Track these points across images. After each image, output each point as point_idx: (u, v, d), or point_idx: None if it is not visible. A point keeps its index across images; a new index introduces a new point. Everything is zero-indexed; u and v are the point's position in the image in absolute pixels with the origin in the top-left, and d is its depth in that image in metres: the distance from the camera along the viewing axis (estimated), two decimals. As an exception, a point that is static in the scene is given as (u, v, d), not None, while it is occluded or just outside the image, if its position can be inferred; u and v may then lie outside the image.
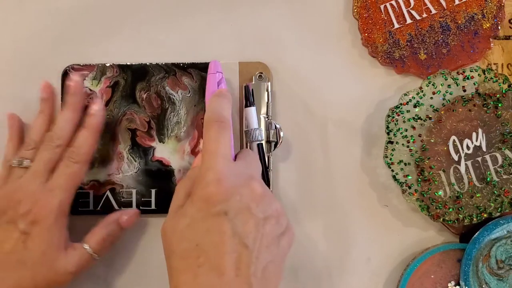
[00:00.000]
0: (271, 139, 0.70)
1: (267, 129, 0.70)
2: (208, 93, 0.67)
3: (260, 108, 0.70)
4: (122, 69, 0.72)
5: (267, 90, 0.71)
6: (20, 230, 0.64)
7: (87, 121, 0.69)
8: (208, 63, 0.71)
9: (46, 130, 0.69)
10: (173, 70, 0.72)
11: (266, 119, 0.70)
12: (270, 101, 0.71)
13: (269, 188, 0.69)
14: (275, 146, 0.70)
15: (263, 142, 0.69)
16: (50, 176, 0.66)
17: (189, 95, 0.72)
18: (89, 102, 0.70)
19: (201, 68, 0.72)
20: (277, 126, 0.70)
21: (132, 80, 0.72)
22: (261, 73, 0.71)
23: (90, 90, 0.72)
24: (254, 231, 0.57)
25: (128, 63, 0.72)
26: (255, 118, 0.69)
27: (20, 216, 0.64)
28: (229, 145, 0.62)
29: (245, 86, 0.70)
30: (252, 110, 0.69)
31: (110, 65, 0.72)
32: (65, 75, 0.72)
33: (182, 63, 0.72)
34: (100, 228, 0.68)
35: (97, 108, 0.69)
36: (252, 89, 0.70)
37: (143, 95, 0.72)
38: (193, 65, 0.72)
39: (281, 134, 0.70)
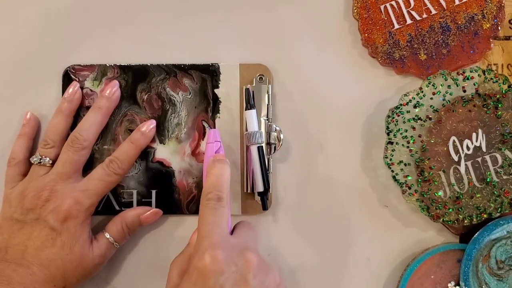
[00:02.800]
0: (271, 141, 0.70)
1: (267, 131, 0.70)
2: (206, 162, 0.67)
3: (261, 110, 0.70)
4: (123, 70, 0.72)
5: (267, 93, 0.71)
6: (50, 227, 0.65)
7: (135, 137, 0.70)
8: (209, 64, 0.72)
9: (64, 130, 0.70)
10: (173, 71, 0.72)
11: (267, 121, 0.70)
12: (270, 103, 0.71)
13: (269, 190, 0.70)
14: (275, 148, 0.70)
15: (263, 144, 0.69)
16: (77, 176, 0.69)
17: (189, 96, 0.72)
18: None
19: (202, 70, 0.72)
20: (277, 128, 0.70)
21: (133, 81, 0.72)
22: (262, 75, 0.71)
23: (91, 90, 0.72)
24: None
25: (129, 64, 0.72)
26: (255, 121, 0.69)
27: (49, 213, 0.65)
28: (226, 221, 0.62)
29: (246, 89, 0.70)
30: (252, 113, 0.69)
31: (111, 65, 0.72)
32: (65, 75, 0.72)
33: (183, 64, 0.72)
34: (122, 218, 0.70)
35: (148, 127, 0.71)
36: (253, 91, 0.70)
37: (144, 96, 0.72)
38: (194, 67, 0.72)
39: (281, 136, 0.70)
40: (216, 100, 0.72)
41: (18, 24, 0.74)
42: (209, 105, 0.72)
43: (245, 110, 0.69)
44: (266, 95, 0.71)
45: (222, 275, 0.56)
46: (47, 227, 0.65)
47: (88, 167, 0.70)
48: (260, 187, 0.68)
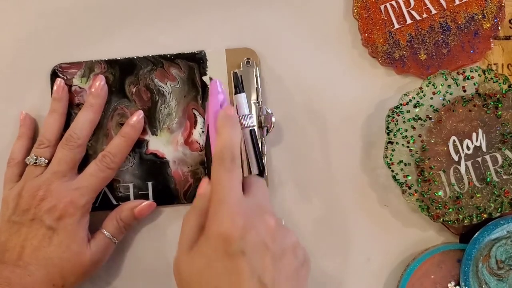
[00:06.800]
0: (263, 124, 0.69)
1: (259, 114, 0.69)
2: (211, 114, 0.65)
3: (250, 94, 0.70)
4: (109, 65, 0.72)
5: (255, 76, 0.70)
6: (46, 226, 0.65)
7: (125, 130, 0.70)
8: (195, 52, 0.72)
9: (59, 129, 0.70)
10: (160, 62, 0.72)
11: (257, 104, 0.70)
12: (259, 86, 0.70)
13: (265, 173, 0.69)
14: (268, 131, 0.70)
15: (255, 127, 0.68)
16: (72, 174, 0.68)
17: (178, 86, 0.72)
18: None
19: (188, 58, 0.72)
20: (269, 110, 0.69)
21: (120, 75, 0.72)
22: (249, 59, 0.71)
23: (80, 88, 0.71)
24: (271, 267, 0.57)
25: (115, 58, 0.72)
26: (245, 104, 0.67)
27: (45, 212, 0.65)
28: (240, 181, 0.61)
29: (233, 73, 0.69)
30: (242, 96, 0.67)
31: (98, 61, 0.72)
32: (53, 74, 0.72)
33: (169, 55, 0.72)
34: (117, 213, 0.69)
35: (136, 119, 0.70)
36: (241, 76, 0.69)
37: (133, 89, 0.72)
38: (180, 56, 0.72)
39: (273, 119, 0.70)
40: (205, 87, 0.72)
41: (4, 26, 0.73)
42: (198, 93, 0.72)
43: (234, 94, 0.68)
44: (255, 79, 0.70)
45: (242, 240, 0.56)
46: (43, 227, 0.65)
47: (83, 166, 0.69)
48: (255, 170, 0.67)
